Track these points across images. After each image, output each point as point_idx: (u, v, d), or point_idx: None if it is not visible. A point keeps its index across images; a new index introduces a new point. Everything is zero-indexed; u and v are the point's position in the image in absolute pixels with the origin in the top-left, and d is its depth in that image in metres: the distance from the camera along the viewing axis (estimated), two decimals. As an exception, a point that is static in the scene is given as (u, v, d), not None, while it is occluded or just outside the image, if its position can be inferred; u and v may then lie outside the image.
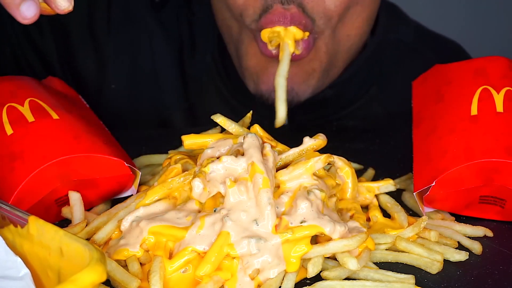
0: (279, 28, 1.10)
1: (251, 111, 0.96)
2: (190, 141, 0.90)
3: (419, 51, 1.41)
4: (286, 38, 1.09)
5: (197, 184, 0.83)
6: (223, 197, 0.82)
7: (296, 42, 1.10)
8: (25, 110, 0.93)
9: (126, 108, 1.25)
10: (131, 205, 0.86)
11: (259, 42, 1.14)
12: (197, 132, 0.93)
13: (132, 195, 0.93)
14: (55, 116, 0.93)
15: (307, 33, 1.12)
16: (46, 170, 0.88)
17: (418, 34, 1.44)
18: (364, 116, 1.35)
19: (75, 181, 0.90)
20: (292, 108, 1.28)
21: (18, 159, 0.88)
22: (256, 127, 0.89)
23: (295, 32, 1.10)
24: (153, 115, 1.36)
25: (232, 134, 0.90)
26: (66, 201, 0.91)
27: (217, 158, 0.84)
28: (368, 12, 1.23)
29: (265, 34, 1.11)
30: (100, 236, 0.83)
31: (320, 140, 0.87)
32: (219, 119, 0.89)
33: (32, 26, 1.34)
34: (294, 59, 1.10)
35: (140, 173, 0.93)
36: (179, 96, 1.35)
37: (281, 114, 1.03)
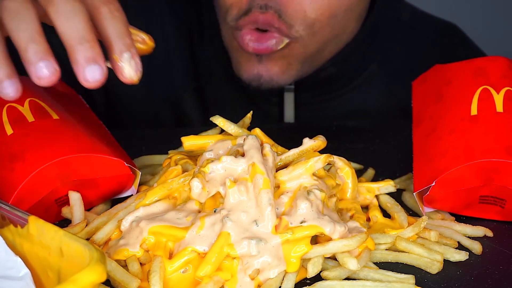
0: None
1: (251, 111, 0.95)
2: (190, 142, 0.90)
3: (416, 29, 1.45)
4: None
5: (196, 184, 0.83)
6: (223, 197, 0.81)
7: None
8: (25, 110, 0.93)
9: (139, 91, 1.33)
10: (131, 205, 0.86)
11: (238, 39, 1.20)
12: (196, 132, 0.93)
13: (132, 195, 0.93)
14: (55, 116, 0.93)
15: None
16: (46, 170, 0.88)
17: (415, 14, 1.48)
18: (365, 92, 1.39)
19: (75, 181, 0.90)
20: (296, 86, 1.34)
21: (18, 159, 0.88)
22: (257, 130, 0.89)
23: None
24: (165, 96, 1.41)
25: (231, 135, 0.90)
26: (66, 201, 0.91)
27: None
28: (357, 11, 1.26)
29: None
30: (100, 236, 0.83)
31: (319, 141, 0.87)
32: (218, 120, 0.89)
33: None
34: (264, 51, 1.17)
35: (140, 173, 0.93)
36: (190, 77, 1.41)
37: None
